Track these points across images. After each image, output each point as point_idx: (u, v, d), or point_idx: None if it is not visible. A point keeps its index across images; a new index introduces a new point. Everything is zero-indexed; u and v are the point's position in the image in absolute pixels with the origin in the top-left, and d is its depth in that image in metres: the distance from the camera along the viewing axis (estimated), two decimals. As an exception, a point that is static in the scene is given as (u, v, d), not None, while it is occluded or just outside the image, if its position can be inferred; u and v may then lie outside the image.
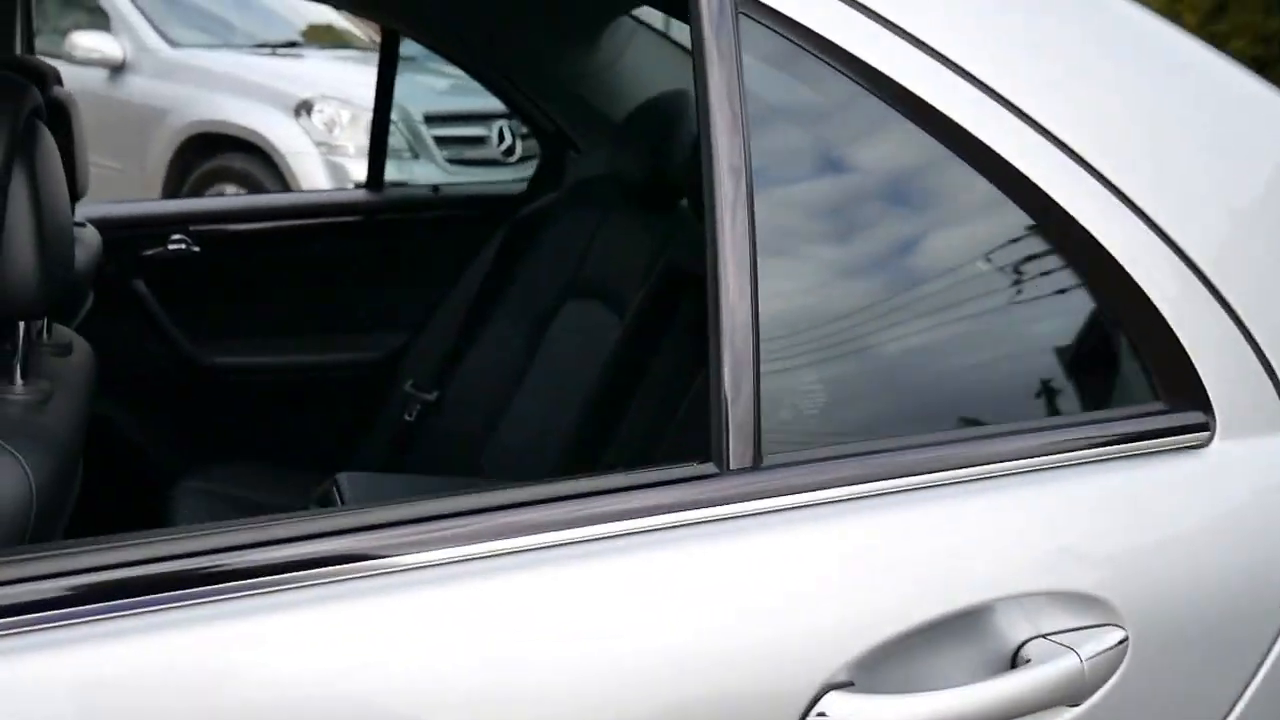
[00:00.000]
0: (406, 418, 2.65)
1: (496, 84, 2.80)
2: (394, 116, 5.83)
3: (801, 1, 1.07)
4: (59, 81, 2.39)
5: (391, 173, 5.68)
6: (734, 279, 1.00)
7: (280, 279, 2.76)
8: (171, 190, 5.91)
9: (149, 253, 2.67)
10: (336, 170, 5.68)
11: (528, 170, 6.03)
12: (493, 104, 5.86)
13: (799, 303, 1.09)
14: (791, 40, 1.08)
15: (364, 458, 2.71)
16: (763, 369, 1.00)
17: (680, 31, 2.68)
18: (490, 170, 6.01)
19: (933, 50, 1.08)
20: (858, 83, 1.08)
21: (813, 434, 1.07)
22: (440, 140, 5.92)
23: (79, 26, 6.22)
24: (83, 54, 5.98)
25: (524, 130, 6.14)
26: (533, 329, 2.55)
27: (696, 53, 1.05)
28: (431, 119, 5.83)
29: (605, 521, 0.92)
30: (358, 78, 6.15)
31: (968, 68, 1.08)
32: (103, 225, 2.49)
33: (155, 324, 2.67)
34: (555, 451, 2.25)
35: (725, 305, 0.99)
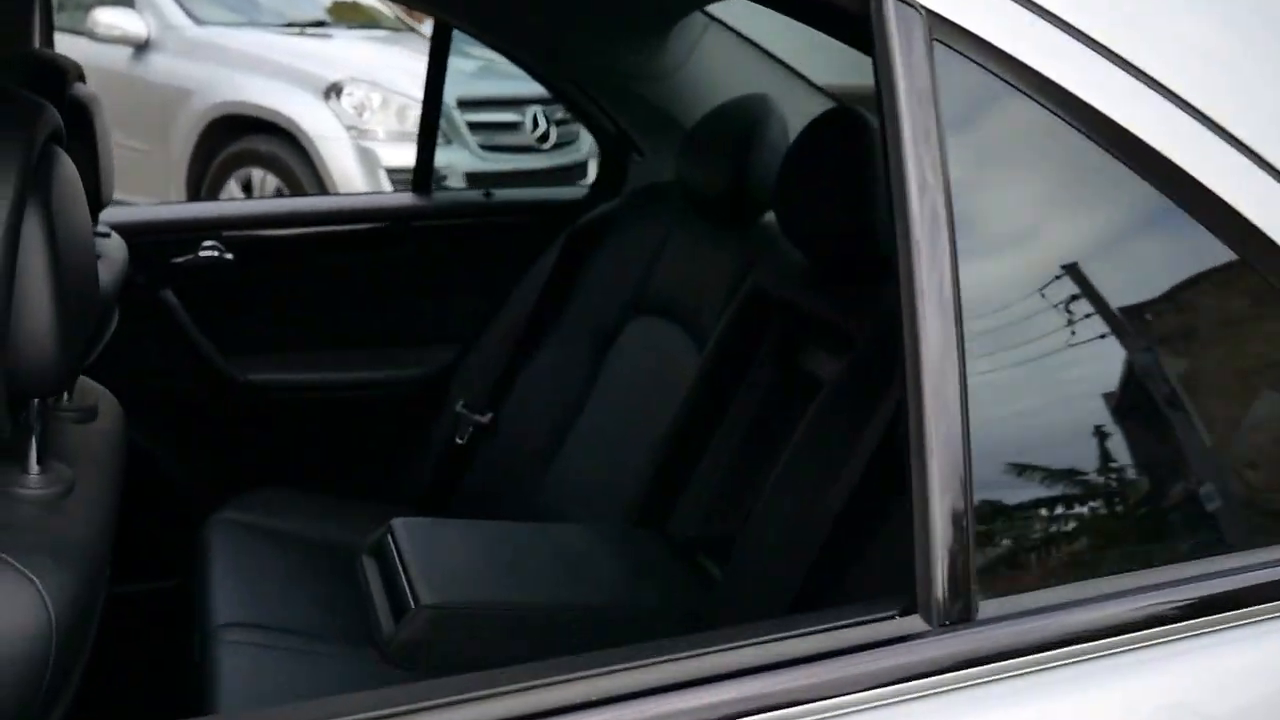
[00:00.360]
0: (458, 440, 2.45)
1: (555, 82, 2.58)
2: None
3: (1012, 28, 0.86)
4: (81, 77, 2.19)
5: (414, 156, 5.51)
6: (938, 364, 0.80)
7: (321, 289, 2.56)
8: (196, 173, 5.71)
9: (179, 260, 2.47)
10: (366, 155, 5.48)
11: (562, 158, 5.93)
12: (526, 89, 5.67)
13: (1013, 396, 0.88)
14: (994, 73, 0.87)
15: (412, 484, 2.52)
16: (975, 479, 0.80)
17: (748, 23, 2.46)
18: (524, 157, 5.79)
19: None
20: (1075, 126, 0.87)
21: (1041, 568, 0.86)
22: (473, 126, 5.70)
23: (102, 2, 6.01)
24: (105, 31, 5.78)
25: (558, 116, 5.94)
26: (595, 347, 2.35)
27: (885, 88, 0.84)
28: (465, 104, 5.61)
29: (790, 705, 0.72)
30: (387, 59, 5.96)
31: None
32: (129, 231, 2.29)
33: (185, 337, 2.47)
34: (628, 489, 2.06)
35: (930, 403, 0.79)
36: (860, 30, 0.87)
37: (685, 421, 1.97)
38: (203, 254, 2.48)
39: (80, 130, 2.03)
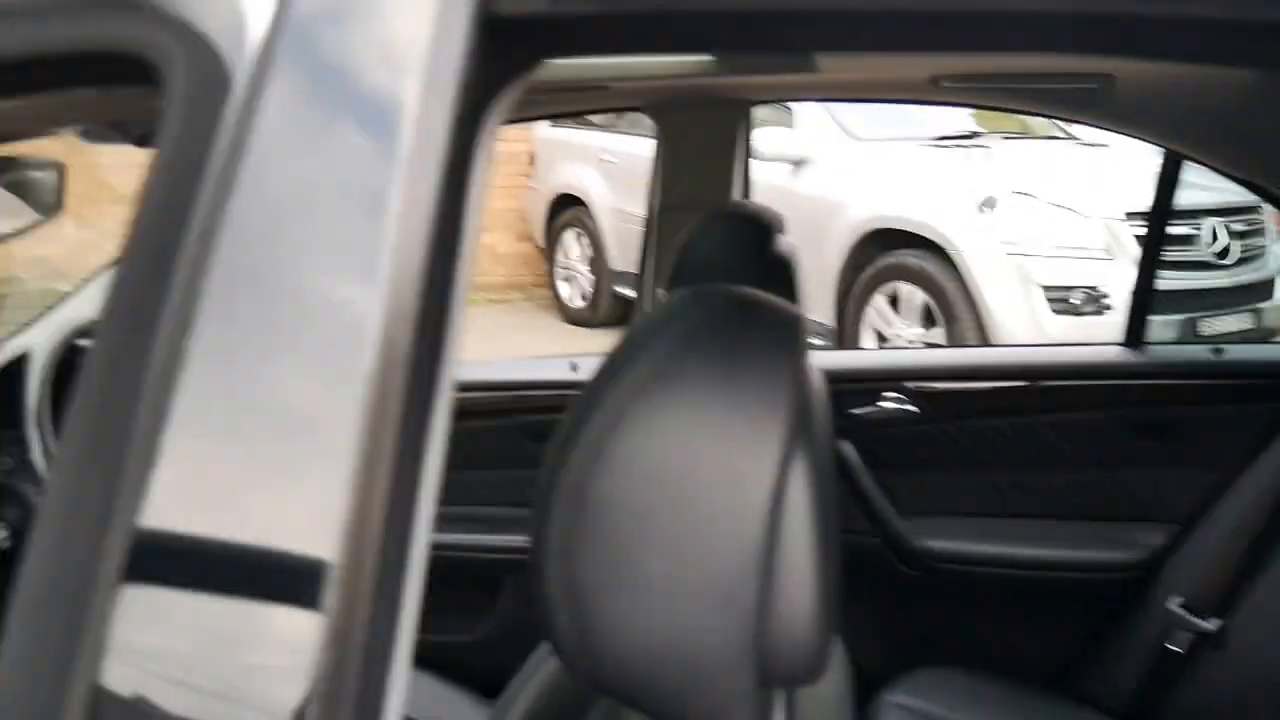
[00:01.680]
0: (1171, 647, 2.06)
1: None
2: (1087, 212, 5.23)
3: None
4: (781, 229, 2.11)
5: (1073, 274, 5.07)
6: None
7: (1010, 451, 2.30)
8: (845, 283, 5.73)
9: (858, 411, 2.33)
10: (1020, 271, 5.17)
11: (1245, 275, 5.24)
12: (1201, 198, 5.08)
13: None
14: None
15: (1108, 688, 2.16)
16: None
17: None
18: (1200, 274, 5.19)
19: None
20: None
21: None
22: (1140, 240, 5.20)
23: (762, 121, 6.25)
24: (768, 152, 5.95)
25: (1240, 229, 5.29)
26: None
27: None
28: (1133, 215, 5.13)
29: None
30: (1041, 169, 5.63)
31: None
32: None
33: (861, 495, 2.31)
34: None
35: None
36: None
37: None
38: (884, 404, 2.32)
39: (779, 287, 1.94)
